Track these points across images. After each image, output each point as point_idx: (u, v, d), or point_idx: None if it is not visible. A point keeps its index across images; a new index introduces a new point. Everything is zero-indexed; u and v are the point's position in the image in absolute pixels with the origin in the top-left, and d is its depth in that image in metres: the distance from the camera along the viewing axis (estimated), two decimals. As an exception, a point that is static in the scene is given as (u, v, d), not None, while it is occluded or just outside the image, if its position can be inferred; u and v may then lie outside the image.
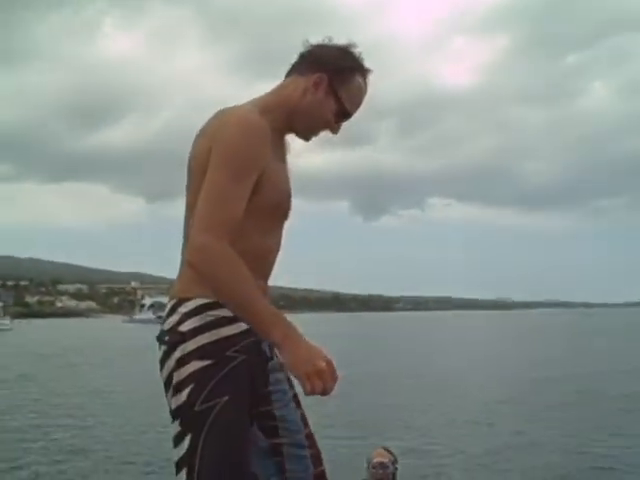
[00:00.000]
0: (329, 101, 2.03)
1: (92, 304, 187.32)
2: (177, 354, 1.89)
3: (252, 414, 1.94)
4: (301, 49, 2.08)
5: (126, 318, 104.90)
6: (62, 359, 26.05)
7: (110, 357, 27.15)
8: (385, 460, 4.60)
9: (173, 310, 1.93)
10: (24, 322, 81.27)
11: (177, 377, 1.88)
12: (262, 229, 1.97)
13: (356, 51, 2.05)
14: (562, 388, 14.77)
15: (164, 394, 1.90)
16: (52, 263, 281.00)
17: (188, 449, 1.86)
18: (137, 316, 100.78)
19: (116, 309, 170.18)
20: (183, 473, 1.87)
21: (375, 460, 4.60)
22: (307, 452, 2.04)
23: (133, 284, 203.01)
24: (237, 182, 1.86)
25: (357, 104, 2.07)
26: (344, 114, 2.06)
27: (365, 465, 4.64)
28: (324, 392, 1.78)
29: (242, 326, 1.90)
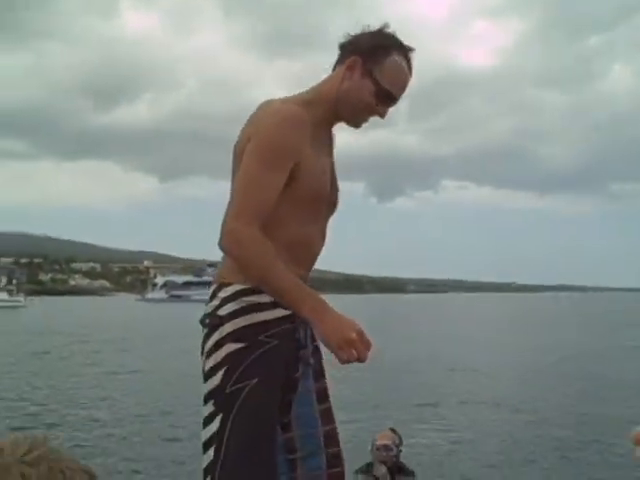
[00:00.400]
0: (365, 82, 2.02)
1: (105, 283, 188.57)
2: (215, 337, 1.97)
3: (285, 399, 2.01)
4: (340, 40, 2.09)
5: (139, 297, 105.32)
6: (75, 337, 26.19)
7: (123, 336, 27.25)
8: (389, 442, 4.64)
9: (214, 295, 2.03)
10: (37, 300, 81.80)
11: (214, 359, 1.96)
12: (300, 218, 2.02)
13: (390, 30, 2.05)
14: (569, 367, 14.74)
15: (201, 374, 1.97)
16: (66, 241, 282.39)
17: (217, 430, 1.92)
18: (150, 295, 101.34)
19: (129, 288, 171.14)
20: (210, 452, 1.93)
21: (379, 442, 4.63)
22: (321, 452, 2.07)
23: (146, 263, 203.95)
24: (269, 170, 1.92)
25: (397, 83, 2.04)
26: (386, 95, 2.03)
27: (369, 447, 4.66)
28: (358, 360, 1.85)
29: (277, 313, 1.97)
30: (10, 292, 68.59)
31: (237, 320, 1.96)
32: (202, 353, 2.01)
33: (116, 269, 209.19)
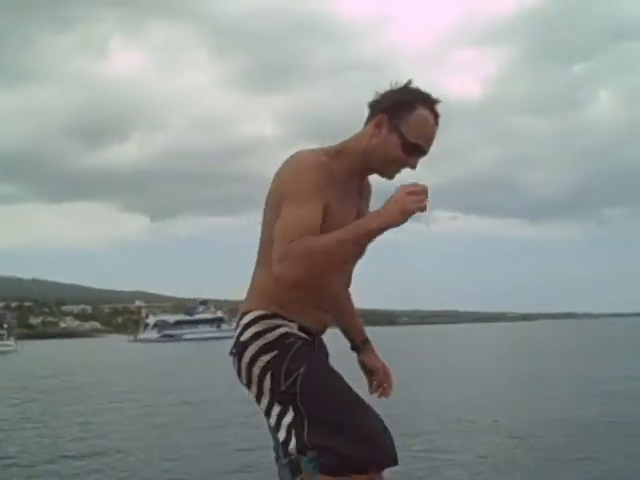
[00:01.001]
0: (392, 138, 2.12)
1: (96, 324, 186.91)
2: (245, 360, 2.14)
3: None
4: (370, 100, 2.21)
5: (131, 338, 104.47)
6: (66, 380, 25.90)
7: (114, 377, 26.99)
8: None
9: (237, 325, 2.22)
10: (28, 344, 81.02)
11: (255, 372, 2.12)
12: None
13: (417, 87, 2.15)
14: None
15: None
16: (56, 284, 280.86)
17: (294, 416, 2.07)
18: (141, 335, 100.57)
19: (120, 329, 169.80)
20: (292, 438, 2.06)
21: None
22: None
23: (137, 303, 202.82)
24: (306, 203, 2.02)
25: (423, 135, 2.13)
26: (414, 148, 2.13)
27: None
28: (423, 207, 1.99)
29: (297, 331, 2.17)
30: (1, 337, 68.00)
31: (261, 338, 2.13)
32: (241, 381, 2.19)
33: (107, 310, 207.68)
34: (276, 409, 2.10)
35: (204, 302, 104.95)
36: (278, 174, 2.15)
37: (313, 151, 2.15)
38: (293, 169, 2.09)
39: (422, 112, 2.12)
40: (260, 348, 2.12)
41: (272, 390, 2.10)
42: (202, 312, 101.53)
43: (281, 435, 2.09)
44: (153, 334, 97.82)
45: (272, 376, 2.10)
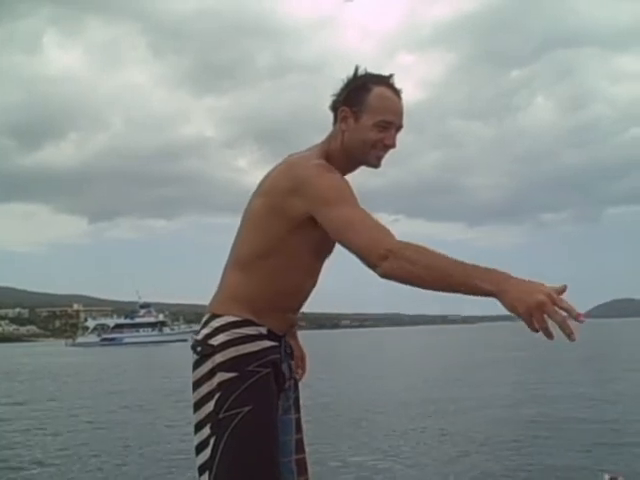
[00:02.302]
0: (362, 124, 2.14)
1: (33, 328, 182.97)
2: (209, 365, 2.10)
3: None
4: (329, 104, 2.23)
5: (69, 341, 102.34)
6: (6, 386, 25.25)
7: (52, 383, 26.42)
8: None
9: (206, 323, 2.16)
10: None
11: (207, 387, 2.09)
12: (296, 268, 2.16)
13: (361, 69, 2.19)
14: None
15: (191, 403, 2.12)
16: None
17: (210, 454, 2.05)
18: (80, 339, 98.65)
19: (58, 333, 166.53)
20: (205, 476, 2.05)
21: None
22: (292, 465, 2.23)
23: (75, 306, 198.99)
24: (355, 202, 2.01)
25: (387, 108, 2.15)
26: (383, 124, 2.14)
27: None
28: (544, 326, 1.66)
29: (265, 344, 2.14)
30: None
31: (228, 350, 2.09)
32: (192, 381, 2.14)
33: (44, 314, 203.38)
34: (204, 431, 2.08)
35: (145, 305, 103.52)
36: (293, 177, 2.07)
37: (310, 154, 2.17)
38: (311, 174, 2.05)
39: (377, 89, 2.14)
40: (224, 362, 2.08)
41: (211, 411, 2.08)
42: (143, 315, 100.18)
43: (198, 462, 2.10)
44: (92, 338, 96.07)
45: (219, 398, 2.07)
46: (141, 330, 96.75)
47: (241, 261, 2.18)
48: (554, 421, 11.60)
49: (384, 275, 1.89)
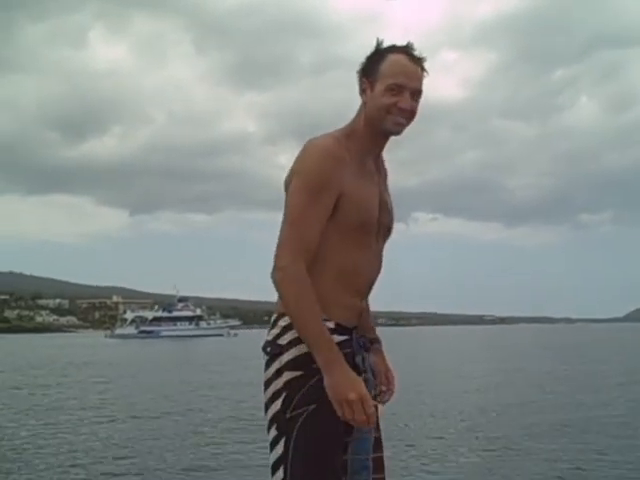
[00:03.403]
0: (377, 92, 2.14)
1: (73, 319, 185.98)
2: (276, 365, 2.10)
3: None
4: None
5: (108, 333, 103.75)
6: (40, 375, 25.69)
7: (90, 373, 26.81)
8: None
9: (275, 323, 2.14)
10: (2, 338, 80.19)
11: (274, 386, 2.10)
12: (350, 247, 2.13)
13: (378, 40, 2.18)
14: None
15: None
16: (33, 277, 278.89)
17: (282, 453, 2.07)
18: (118, 331, 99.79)
19: (97, 324, 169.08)
20: (279, 473, 2.07)
21: None
22: (369, 475, 2.20)
23: (114, 298, 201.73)
24: (312, 204, 2.04)
25: (399, 72, 2.14)
26: (396, 87, 2.13)
27: None
28: (354, 423, 1.99)
29: (335, 339, 2.08)
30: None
31: (295, 349, 2.07)
32: (263, 381, 2.14)
33: (84, 305, 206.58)
34: (273, 432, 2.10)
35: (183, 299, 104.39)
36: (297, 159, 2.14)
37: (327, 134, 2.16)
38: (312, 159, 2.09)
39: (392, 56, 2.15)
40: (291, 360, 2.08)
41: (279, 410, 2.08)
42: (181, 309, 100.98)
43: (271, 459, 2.11)
44: (130, 330, 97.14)
45: (285, 398, 2.07)
46: (178, 323, 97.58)
47: None
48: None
49: (272, 280, 2.05)
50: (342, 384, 1.96)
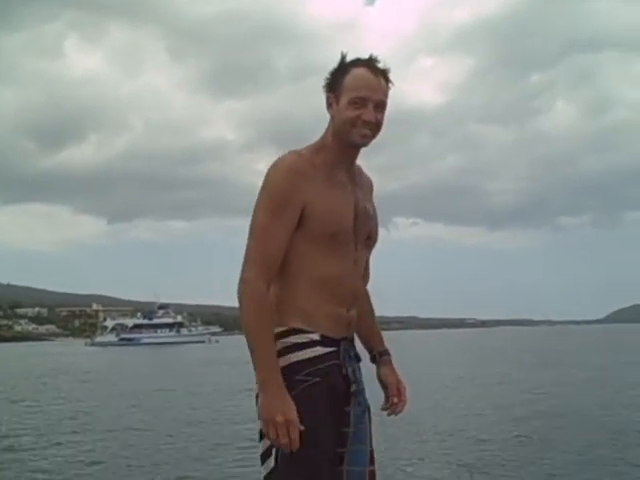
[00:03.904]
0: (342, 105, 2.19)
1: (52, 327, 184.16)
2: None
3: (340, 432, 2.15)
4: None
5: (88, 341, 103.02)
6: (19, 385, 25.49)
7: (69, 381, 26.66)
8: None
9: None
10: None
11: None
12: (323, 257, 2.15)
13: (342, 54, 2.23)
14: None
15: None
16: (11, 286, 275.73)
17: (273, 467, 2.07)
18: (98, 339, 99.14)
19: (77, 332, 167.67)
20: None
21: None
22: None
23: (94, 306, 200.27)
24: (273, 219, 2.09)
25: (362, 84, 2.17)
26: (358, 100, 2.16)
27: None
28: (276, 444, 2.02)
29: (318, 351, 2.14)
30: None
31: (280, 360, 2.09)
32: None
33: (64, 313, 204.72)
34: (264, 443, 2.10)
35: (163, 306, 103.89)
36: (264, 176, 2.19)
37: (292, 151, 2.19)
38: (272, 175, 2.14)
39: (355, 70, 2.18)
40: None
41: None
42: (161, 316, 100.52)
43: (262, 472, 2.12)
44: (111, 338, 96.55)
45: None
46: (159, 330, 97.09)
47: None
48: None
49: (237, 292, 2.10)
50: (272, 405, 2.00)
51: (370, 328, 2.49)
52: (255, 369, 2.04)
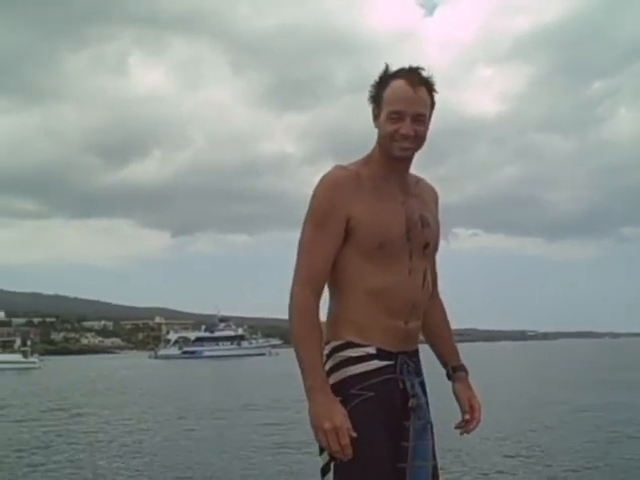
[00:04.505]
0: (380, 118, 2.22)
1: (117, 340, 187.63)
2: None
3: (395, 446, 2.12)
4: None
5: (151, 354, 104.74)
6: (86, 397, 26.34)
7: (134, 395, 27.43)
8: None
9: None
10: (50, 360, 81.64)
11: None
12: (374, 268, 2.16)
13: (392, 68, 2.23)
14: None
15: None
16: (77, 300, 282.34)
17: (333, 479, 2.10)
18: (162, 352, 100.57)
19: (141, 345, 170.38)
20: None
21: None
22: None
23: (157, 319, 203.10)
24: (317, 234, 2.14)
25: (397, 99, 2.17)
26: (395, 114, 2.17)
27: None
28: (329, 451, 2.05)
29: (371, 365, 2.14)
30: (24, 353, 68.36)
31: (333, 376, 2.13)
32: None
33: (128, 326, 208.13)
34: (325, 456, 2.11)
35: (224, 319, 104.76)
36: None
37: (339, 166, 2.21)
38: (317, 190, 2.17)
39: (393, 83, 2.18)
40: (331, 387, 2.11)
41: None
42: (222, 329, 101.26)
43: None
44: (173, 351, 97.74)
45: None
46: (220, 344, 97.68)
47: (328, 285, 2.24)
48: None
49: (288, 306, 2.15)
50: (320, 413, 2.02)
51: (444, 342, 2.45)
52: (302, 378, 2.07)
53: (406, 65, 2.21)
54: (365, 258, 2.15)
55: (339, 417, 2.02)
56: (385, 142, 2.19)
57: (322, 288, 2.16)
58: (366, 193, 2.17)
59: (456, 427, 2.35)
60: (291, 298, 2.12)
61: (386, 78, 2.20)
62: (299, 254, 2.15)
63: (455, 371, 2.39)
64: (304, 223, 2.17)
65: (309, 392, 2.06)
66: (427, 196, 2.35)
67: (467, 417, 2.31)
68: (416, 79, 2.18)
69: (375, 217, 2.15)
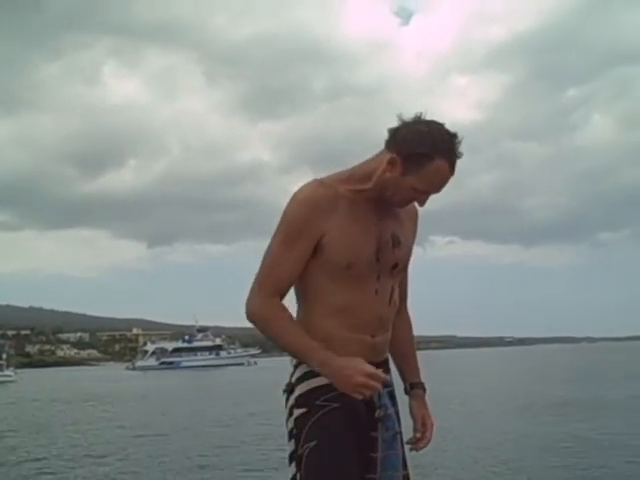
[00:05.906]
0: (405, 180, 2.10)
1: (94, 352, 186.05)
2: (289, 403, 2.16)
3: (363, 457, 2.10)
4: (395, 124, 2.13)
5: (129, 365, 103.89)
6: (63, 410, 26.10)
7: (111, 405, 27.23)
8: None
9: (291, 362, 2.21)
10: (25, 372, 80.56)
11: (288, 425, 2.15)
12: (340, 286, 2.14)
13: (437, 135, 2.07)
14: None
15: None
16: (53, 312, 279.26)
17: None
18: (139, 363, 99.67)
19: (118, 356, 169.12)
20: None
21: None
22: None
23: (134, 330, 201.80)
24: (287, 248, 2.11)
25: (436, 184, 2.12)
26: (424, 193, 2.15)
27: None
28: (373, 395, 2.05)
29: None
30: (0, 367, 67.20)
31: (301, 385, 2.13)
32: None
33: (104, 338, 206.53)
34: (292, 468, 2.12)
35: (202, 329, 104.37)
36: None
37: (315, 180, 2.16)
38: (290, 204, 2.13)
39: (438, 164, 2.07)
40: (298, 397, 2.13)
41: (293, 449, 2.12)
42: (200, 339, 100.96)
43: None
44: (151, 362, 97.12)
45: (295, 435, 2.11)
46: (199, 354, 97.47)
47: (297, 295, 2.24)
48: None
49: (246, 312, 2.15)
50: (347, 376, 2.00)
51: (406, 359, 2.42)
52: (306, 363, 2.09)
53: (446, 124, 2.10)
54: (331, 277, 2.13)
55: (361, 364, 2.02)
56: (393, 195, 2.14)
57: (284, 297, 2.16)
58: (341, 212, 2.13)
59: (406, 443, 2.30)
60: (255, 309, 2.12)
61: (430, 152, 2.05)
62: (265, 266, 2.14)
63: (413, 388, 2.38)
64: (274, 235, 2.14)
65: (323, 366, 2.05)
66: (404, 213, 2.28)
67: (419, 435, 2.30)
68: (455, 162, 2.10)
69: (347, 237, 2.12)
